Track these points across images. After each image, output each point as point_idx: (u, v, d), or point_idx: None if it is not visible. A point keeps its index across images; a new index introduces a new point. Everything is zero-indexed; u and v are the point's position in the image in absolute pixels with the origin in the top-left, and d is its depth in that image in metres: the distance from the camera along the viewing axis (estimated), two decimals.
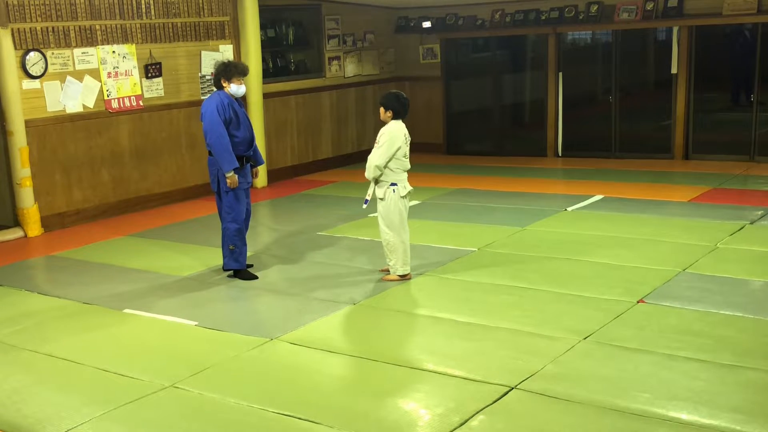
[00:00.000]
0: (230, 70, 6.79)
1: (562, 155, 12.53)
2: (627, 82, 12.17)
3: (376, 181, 6.58)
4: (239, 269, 6.99)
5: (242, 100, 7.05)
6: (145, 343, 5.68)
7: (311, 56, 12.42)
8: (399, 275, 6.67)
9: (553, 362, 4.93)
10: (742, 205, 8.67)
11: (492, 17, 12.62)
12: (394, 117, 6.57)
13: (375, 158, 6.47)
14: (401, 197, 6.57)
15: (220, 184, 6.83)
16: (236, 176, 6.76)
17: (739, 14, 10.76)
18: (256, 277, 6.98)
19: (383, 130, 6.55)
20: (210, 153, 6.83)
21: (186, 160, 10.52)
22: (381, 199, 6.60)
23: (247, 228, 7.05)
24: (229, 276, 7.03)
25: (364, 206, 6.81)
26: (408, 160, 6.62)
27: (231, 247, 6.91)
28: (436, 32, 13.14)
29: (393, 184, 6.54)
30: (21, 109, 8.73)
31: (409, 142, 6.64)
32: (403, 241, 6.62)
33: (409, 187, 6.66)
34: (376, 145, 6.52)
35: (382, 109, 6.60)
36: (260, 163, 7.15)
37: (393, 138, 6.46)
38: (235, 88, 6.78)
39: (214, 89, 6.95)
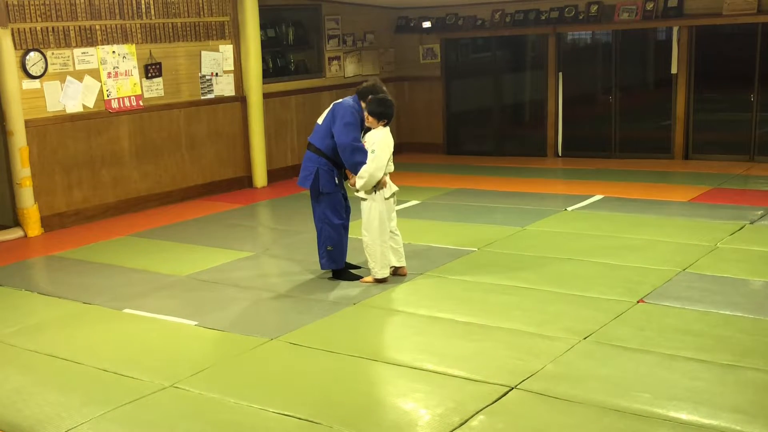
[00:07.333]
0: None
1: (562, 155, 12.52)
2: (627, 82, 12.17)
3: None
4: (338, 269, 6.74)
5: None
6: (145, 343, 5.67)
7: (311, 56, 12.42)
8: (376, 279, 6.58)
9: (553, 362, 4.93)
10: (742, 205, 8.67)
11: (492, 17, 12.62)
12: (386, 124, 6.39)
13: (372, 168, 6.25)
14: (385, 198, 6.43)
15: (320, 184, 6.50)
16: (385, 177, 6.39)
17: (739, 14, 10.75)
18: (358, 277, 6.68)
19: (374, 138, 6.32)
20: (309, 147, 6.54)
21: (186, 160, 10.52)
22: (363, 199, 6.47)
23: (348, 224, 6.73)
24: (329, 278, 6.76)
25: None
26: (391, 161, 6.50)
27: (329, 247, 6.63)
28: (436, 32, 13.14)
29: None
30: (21, 109, 8.73)
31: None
32: (383, 242, 6.47)
33: (395, 188, 6.51)
34: (370, 153, 6.31)
35: (373, 119, 6.32)
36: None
37: (384, 146, 6.31)
38: (366, 114, 6.35)
39: (342, 101, 6.57)
